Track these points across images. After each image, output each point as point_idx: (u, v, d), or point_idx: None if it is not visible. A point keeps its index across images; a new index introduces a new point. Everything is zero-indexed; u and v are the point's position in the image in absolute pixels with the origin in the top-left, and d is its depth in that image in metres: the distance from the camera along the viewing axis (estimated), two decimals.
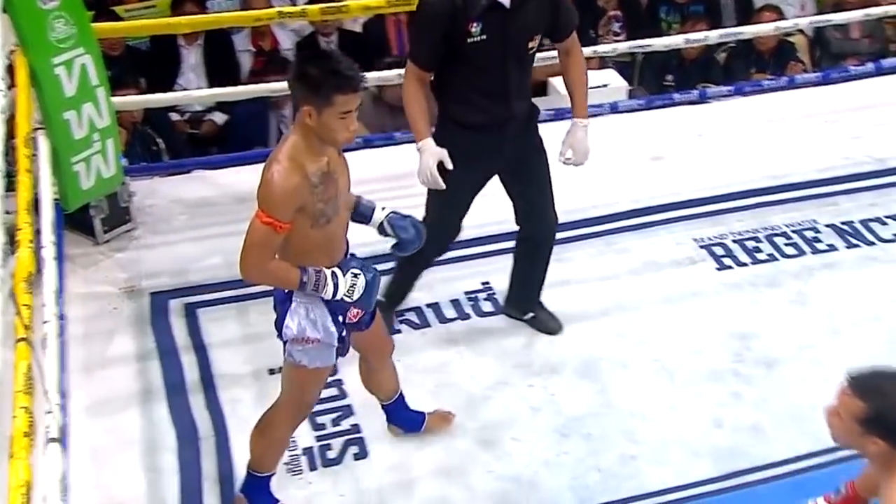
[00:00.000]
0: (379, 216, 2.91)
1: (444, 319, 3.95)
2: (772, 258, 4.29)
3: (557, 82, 5.29)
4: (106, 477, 3.28)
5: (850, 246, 4.35)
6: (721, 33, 5.53)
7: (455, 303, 4.03)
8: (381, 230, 2.93)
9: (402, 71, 4.67)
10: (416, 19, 3.43)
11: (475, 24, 3.18)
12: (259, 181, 2.61)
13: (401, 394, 3.32)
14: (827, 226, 4.47)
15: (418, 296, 3.95)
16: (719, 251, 4.33)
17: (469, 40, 3.19)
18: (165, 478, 3.29)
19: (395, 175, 4.34)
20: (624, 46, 5.35)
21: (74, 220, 4.26)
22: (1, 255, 2.77)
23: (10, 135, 3.28)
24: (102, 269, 4.23)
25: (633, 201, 4.60)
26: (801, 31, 6.20)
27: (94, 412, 3.52)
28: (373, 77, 4.59)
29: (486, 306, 4.02)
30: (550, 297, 3.89)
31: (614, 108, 5.16)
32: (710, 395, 3.59)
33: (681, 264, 4.26)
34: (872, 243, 4.37)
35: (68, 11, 3.84)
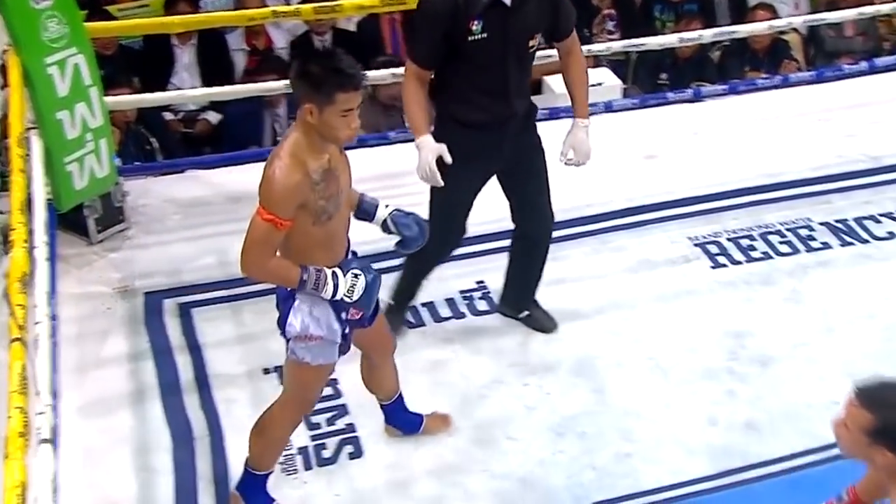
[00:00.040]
0: (382, 213, 2.92)
1: (439, 318, 3.95)
2: (766, 256, 4.29)
3: (552, 81, 5.30)
4: (100, 477, 3.28)
5: (845, 244, 4.36)
6: (715, 32, 5.54)
7: (450, 301, 4.02)
8: (384, 227, 2.94)
9: (396, 70, 4.73)
10: (417, 18, 3.42)
11: (476, 22, 3.18)
12: (260, 178, 2.62)
13: (400, 395, 3.32)
14: (821, 224, 4.48)
15: None
16: (714, 249, 4.33)
17: (470, 38, 3.19)
18: (160, 478, 3.29)
19: (389, 174, 4.34)
20: (618, 45, 5.35)
21: (68, 220, 4.26)
22: None
23: (4, 135, 3.29)
24: (96, 269, 4.22)
25: (628, 200, 4.60)
26: (795, 29, 6.22)
27: (88, 412, 3.51)
28: (367, 76, 4.58)
29: (481, 305, 4.02)
30: (545, 295, 3.89)
31: (608, 107, 5.16)
32: (704, 394, 3.59)
33: (675, 263, 4.26)
34: (866, 241, 4.38)
35: (61, 11, 3.83)
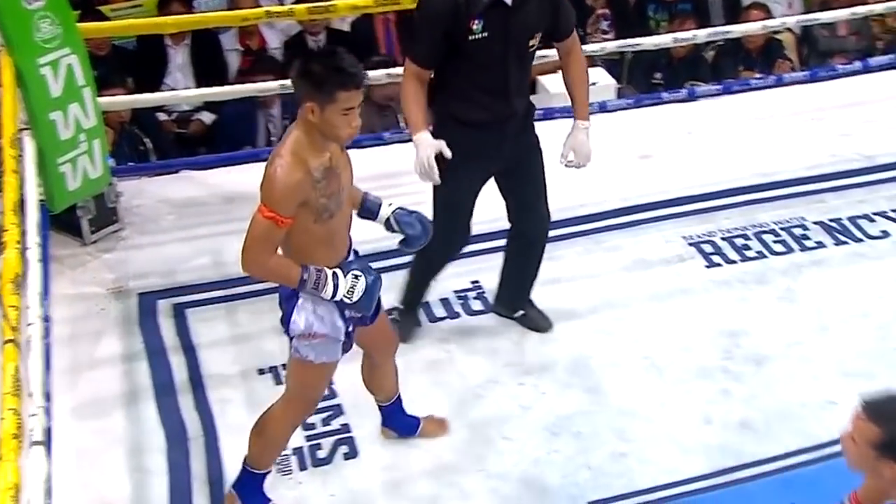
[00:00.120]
0: (385, 212, 2.93)
1: (434, 318, 3.95)
2: (760, 255, 4.30)
3: (546, 81, 5.30)
4: (94, 478, 3.27)
5: (839, 243, 4.36)
6: (709, 32, 5.55)
7: (445, 302, 4.02)
8: (387, 226, 2.95)
9: (390, 70, 4.72)
10: (418, 18, 3.42)
11: (477, 22, 3.18)
12: (262, 177, 2.62)
13: (399, 397, 3.31)
14: (815, 223, 4.48)
15: None
16: (708, 249, 4.34)
17: (470, 37, 3.19)
18: (154, 479, 3.28)
19: (384, 175, 4.34)
20: (612, 45, 5.35)
21: (61, 221, 4.24)
22: None
23: None
24: (90, 269, 4.21)
25: (623, 199, 4.61)
26: (788, 29, 6.22)
27: (82, 413, 3.50)
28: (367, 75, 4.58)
29: (476, 305, 4.01)
30: (540, 295, 3.89)
31: (603, 107, 5.17)
32: (699, 393, 3.59)
33: (670, 262, 4.27)
34: (860, 240, 4.38)
35: (54, 11, 3.82)
